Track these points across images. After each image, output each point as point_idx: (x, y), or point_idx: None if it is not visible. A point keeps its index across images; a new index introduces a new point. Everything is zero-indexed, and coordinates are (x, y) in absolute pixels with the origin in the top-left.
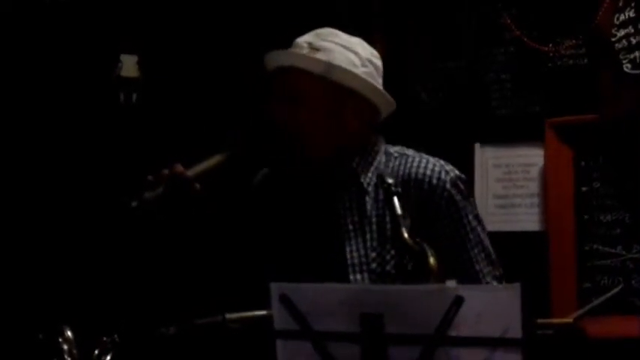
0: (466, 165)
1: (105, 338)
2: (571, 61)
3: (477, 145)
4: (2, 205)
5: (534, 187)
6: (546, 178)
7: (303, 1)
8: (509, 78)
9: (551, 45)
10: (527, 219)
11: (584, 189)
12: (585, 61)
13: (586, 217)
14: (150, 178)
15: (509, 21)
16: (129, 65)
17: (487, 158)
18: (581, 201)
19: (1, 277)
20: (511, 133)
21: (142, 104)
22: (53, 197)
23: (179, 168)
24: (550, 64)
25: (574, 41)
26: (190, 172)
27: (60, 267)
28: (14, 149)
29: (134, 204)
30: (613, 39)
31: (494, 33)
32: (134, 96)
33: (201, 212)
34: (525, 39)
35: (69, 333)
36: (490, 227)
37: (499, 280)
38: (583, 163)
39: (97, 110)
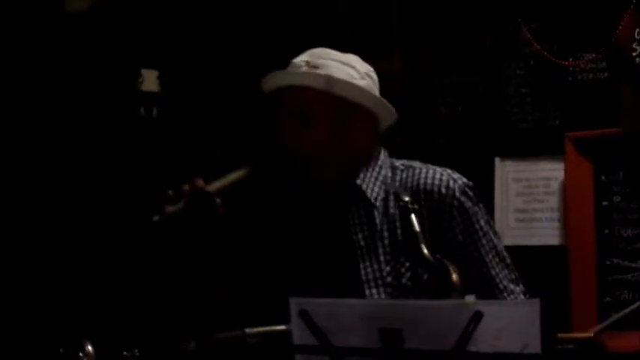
0: (486, 179)
1: (125, 353)
2: (591, 75)
3: (497, 160)
4: (23, 219)
5: (555, 201)
6: (566, 192)
7: (322, 18)
8: (529, 92)
9: (571, 59)
10: (547, 233)
11: (604, 203)
12: (605, 75)
13: (606, 231)
14: (171, 192)
15: (529, 35)
16: (149, 80)
17: (507, 172)
18: (601, 215)
19: (23, 291)
20: (531, 147)
21: (163, 119)
22: (74, 211)
23: (200, 183)
24: (570, 78)
25: (594, 55)
26: (211, 187)
27: (81, 281)
28: (34, 162)
29: (155, 218)
30: (634, 53)
31: (514, 47)
32: (154, 110)
33: (222, 227)
34: (545, 53)
35: (90, 347)
36: (510, 241)
37: (515, 282)
38: (603, 177)
39: (117, 124)
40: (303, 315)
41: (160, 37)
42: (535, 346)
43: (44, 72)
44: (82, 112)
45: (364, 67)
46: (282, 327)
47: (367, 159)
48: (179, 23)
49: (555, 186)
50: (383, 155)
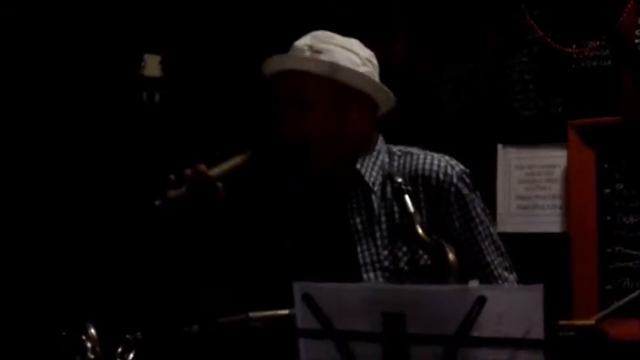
0: (488, 166)
1: (128, 336)
2: (594, 63)
3: (500, 147)
4: (26, 203)
5: (557, 188)
6: (569, 179)
7: (324, 5)
8: (532, 79)
9: (574, 46)
10: (549, 220)
11: (606, 191)
12: (608, 62)
13: (608, 218)
14: (172, 177)
15: (532, 22)
16: (152, 65)
17: (510, 159)
18: (603, 203)
19: (26, 274)
20: (534, 134)
21: (165, 104)
22: (77, 195)
23: (202, 167)
24: (573, 66)
25: (597, 43)
26: (213, 172)
27: (84, 264)
28: (37, 148)
29: (157, 203)
30: (637, 41)
31: (518, 34)
32: (157, 95)
33: (223, 212)
34: (549, 40)
35: (92, 330)
36: (512, 228)
37: (509, 270)
38: (606, 165)
39: (119, 109)
40: (307, 299)
41: (163, 22)
42: (538, 332)
43: (45, 57)
44: (85, 97)
45: (365, 53)
46: (286, 311)
47: (366, 145)
48: (181, 8)
49: (558, 173)
50: (380, 140)
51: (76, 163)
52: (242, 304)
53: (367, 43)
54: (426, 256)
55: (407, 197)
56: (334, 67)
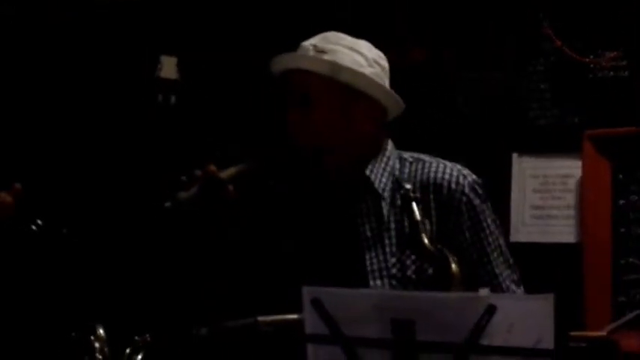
0: (503, 175)
1: (137, 337)
2: (611, 73)
3: (515, 155)
4: (37, 204)
5: (571, 198)
6: (583, 190)
7: (324, 5)
8: (548, 88)
9: (591, 56)
10: (563, 230)
11: (621, 202)
12: (626, 73)
13: (622, 230)
14: (183, 178)
15: (550, 31)
16: (168, 67)
17: (524, 169)
18: (618, 214)
19: (36, 274)
20: (549, 143)
21: (180, 106)
22: (88, 196)
23: (213, 169)
24: (590, 76)
25: (615, 53)
26: (224, 174)
27: (94, 266)
28: (52, 148)
29: (168, 204)
30: None
31: (535, 43)
32: (172, 97)
33: (233, 214)
34: (566, 50)
35: (101, 331)
36: (526, 238)
37: (517, 283)
38: (621, 176)
39: (135, 110)
40: (316, 304)
41: (180, 24)
42: (548, 341)
43: (62, 59)
44: (100, 98)
45: (373, 54)
46: (295, 316)
47: (374, 148)
48: (198, 10)
49: (572, 183)
50: (390, 146)
51: (88, 164)
52: (250, 308)
53: (390, 47)
54: None
55: (414, 204)
56: (335, 66)
